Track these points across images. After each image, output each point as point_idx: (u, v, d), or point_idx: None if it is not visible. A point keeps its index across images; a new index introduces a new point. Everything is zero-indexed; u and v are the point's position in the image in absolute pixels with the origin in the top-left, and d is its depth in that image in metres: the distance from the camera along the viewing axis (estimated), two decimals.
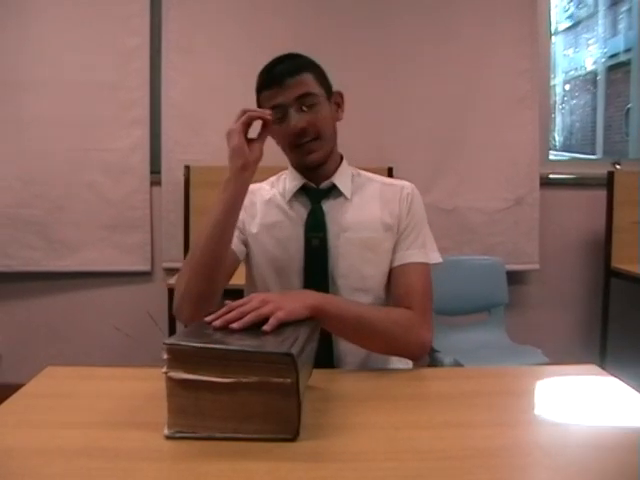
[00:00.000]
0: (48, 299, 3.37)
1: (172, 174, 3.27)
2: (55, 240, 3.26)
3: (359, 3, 3.25)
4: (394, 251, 1.50)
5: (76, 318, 3.36)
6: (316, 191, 1.53)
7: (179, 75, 3.25)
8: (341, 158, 1.59)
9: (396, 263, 1.49)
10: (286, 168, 1.61)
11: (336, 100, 1.54)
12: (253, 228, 1.54)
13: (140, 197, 3.30)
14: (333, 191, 1.53)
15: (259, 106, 1.49)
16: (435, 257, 1.53)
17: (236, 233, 1.48)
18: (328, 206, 1.52)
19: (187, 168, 3.21)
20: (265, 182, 1.64)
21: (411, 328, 1.38)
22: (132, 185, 3.29)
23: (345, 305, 1.34)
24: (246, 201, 1.49)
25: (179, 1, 3.24)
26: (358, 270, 1.48)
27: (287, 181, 1.57)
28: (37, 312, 3.36)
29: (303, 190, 1.54)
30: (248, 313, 1.11)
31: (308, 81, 1.44)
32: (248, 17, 3.25)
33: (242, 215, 1.52)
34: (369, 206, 1.53)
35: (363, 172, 1.62)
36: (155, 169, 3.30)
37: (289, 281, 1.49)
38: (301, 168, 1.53)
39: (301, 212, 1.52)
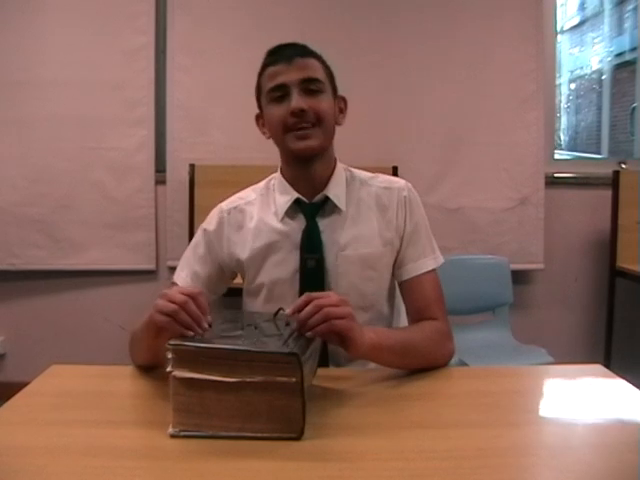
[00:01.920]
0: (53, 298, 3.37)
1: (177, 173, 3.27)
2: (60, 239, 3.26)
3: (364, 4, 3.25)
4: (402, 263, 1.47)
5: (81, 317, 3.36)
6: (310, 206, 1.45)
7: (184, 74, 3.25)
8: (335, 162, 1.50)
9: (409, 275, 1.46)
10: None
11: (339, 104, 1.49)
12: (243, 253, 1.47)
13: (145, 196, 3.30)
14: (327, 204, 1.45)
15: (259, 86, 1.46)
16: (439, 259, 1.49)
17: (201, 274, 1.47)
18: (324, 223, 1.44)
19: (192, 167, 3.21)
20: (255, 192, 1.54)
21: (442, 340, 1.39)
22: (137, 184, 3.29)
23: (390, 336, 1.31)
24: (232, 226, 1.49)
25: (184, 0, 3.24)
26: (358, 289, 1.43)
27: (277, 194, 1.48)
28: (42, 311, 3.37)
29: (296, 204, 1.45)
30: (324, 307, 1.10)
31: (317, 67, 1.41)
32: (253, 17, 3.24)
33: (221, 247, 1.49)
34: (366, 218, 1.46)
35: (357, 172, 1.53)
36: (160, 168, 3.31)
37: (285, 303, 1.40)
38: (292, 158, 1.44)
39: (295, 230, 1.44)
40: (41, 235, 3.25)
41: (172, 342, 0.97)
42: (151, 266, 3.34)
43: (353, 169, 1.54)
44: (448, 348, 1.40)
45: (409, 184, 1.51)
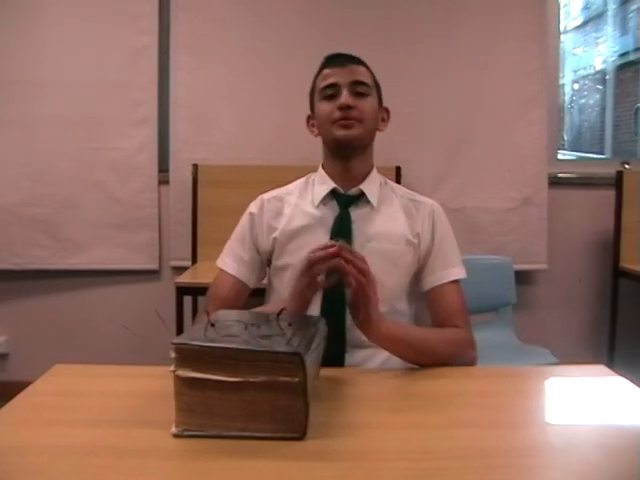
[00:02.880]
0: (56, 297, 3.37)
1: (180, 173, 3.27)
2: (63, 238, 3.27)
3: (366, 4, 3.25)
4: (427, 272, 1.54)
5: (84, 316, 3.37)
6: (345, 197, 1.56)
7: (187, 74, 3.25)
8: (372, 166, 1.61)
9: (433, 284, 1.53)
10: (314, 169, 1.64)
11: (382, 114, 1.63)
12: (278, 234, 1.55)
13: (148, 196, 3.30)
14: (361, 198, 1.56)
15: (313, 88, 1.59)
16: (463, 272, 1.56)
17: (246, 260, 1.56)
18: (356, 214, 1.54)
19: (195, 167, 3.21)
20: (294, 185, 1.65)
21: (463, 348, 1.46)
22: (140, 184, 3.29)
23: (409, 330, 1.42)
24: (271, 212, 1.58)
25: (188, 0, 3.24)
26: (379, 281, 1.42)
27: (316, 185, 1.60)
28: (45, 310, 3.37)
29: (332, 195, 1.56)
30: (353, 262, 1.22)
31: (366, 73, 1.57)
32: (256, 17, 3.24)
33: (258, 235, 1.57)
34: (395, 218, 1.56)
35: (390, 182, 1.66)
36: (163, 168, 3.31)
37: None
38: (334, 149, 1.55)
39: (328, 216, 1.54)
40: (44, 235, 3.26)
41: (175, 341, 0.97)
42: (154, 266, 3.35)
43: (387, 179, 1.66)
44: (469, 355, 1.46)
45: (437, 203, 1.63)
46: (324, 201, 1.56)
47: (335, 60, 1.57)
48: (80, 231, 3.27)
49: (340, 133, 1.50)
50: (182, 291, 2.70)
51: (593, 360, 1.46)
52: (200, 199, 3.20)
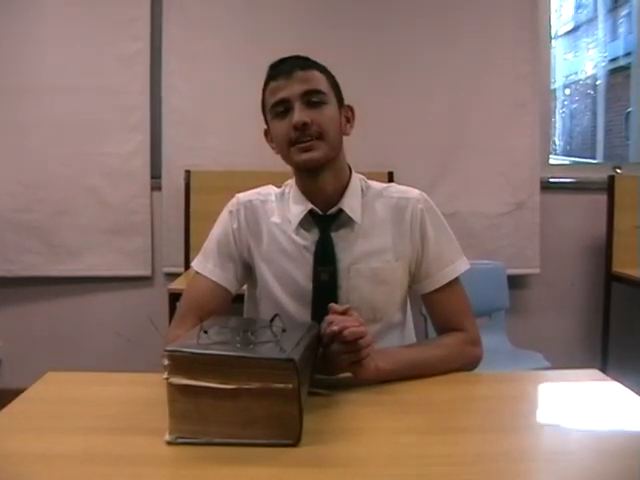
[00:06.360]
0: (49, 304, 3.36)
1: (172, 179, 3.26)
2: (56, 245, 3.25)
3: (360, 8, 3.25)
4: (422, 277, 1.47)
5: (77, 323, 3.35)
6: (324, 219, 1.44)
7: (180, 80, 3.25)
8: (350, 173, 1.49)
9: (429, 289, 1.47)
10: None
11: (346, 114, 1.47)
12: (260, 249, 1.47)
13: (141, 202, 3.29)
14: (342, 216, 1.43)
15: (264, 102, 1.45)
16: (464, 265, 1.50)
17: (230, 266, 1.46)
18: (337, 235, 1.43)
19: (187, 173, 3.21)
20: (273, 190, 1.53)
21: (464, 351, 1.41)
22: (133, 190, 3.28)
23: (401, 359, 1.32)
24: (248, 221, 1.47)
25: (180, 6, 3.24)
26: (369, 302, 1.43)
27: (291, 203, 1.47)
28: (38, 317, 3.35)
29: (310, 215, 1.44)
30: (350, 327, 1.17)
31: (319, 78, 1.40)
32: (249, 22, 3.25)
33: (241, 240, 1.47)
34: (380, 231, 1.45)
35: (372, 183, 1.52)
36: (155, 174, 3.30)
37: (297, 311, 1.44)
38: (300, 171, 1.44)
39: (309, 241, 1.43)
40: (37, 241, 3.24)
41: (168, 348, 0.97)
42: (147, 272, 3.34)
43: (368, 180, 1.53)
44: (472, 355, 1.42)
45: (424, 194, 1.50)
46: (303, 224, 1.43)
47: (281, 69, 1.39)
48: (73, 237, 3.26)
49: (301, 158, 1.37)
50: (175, 297, 2.69)
51: (586, 364, 1.46)
52: (193, 205, 3.20)
